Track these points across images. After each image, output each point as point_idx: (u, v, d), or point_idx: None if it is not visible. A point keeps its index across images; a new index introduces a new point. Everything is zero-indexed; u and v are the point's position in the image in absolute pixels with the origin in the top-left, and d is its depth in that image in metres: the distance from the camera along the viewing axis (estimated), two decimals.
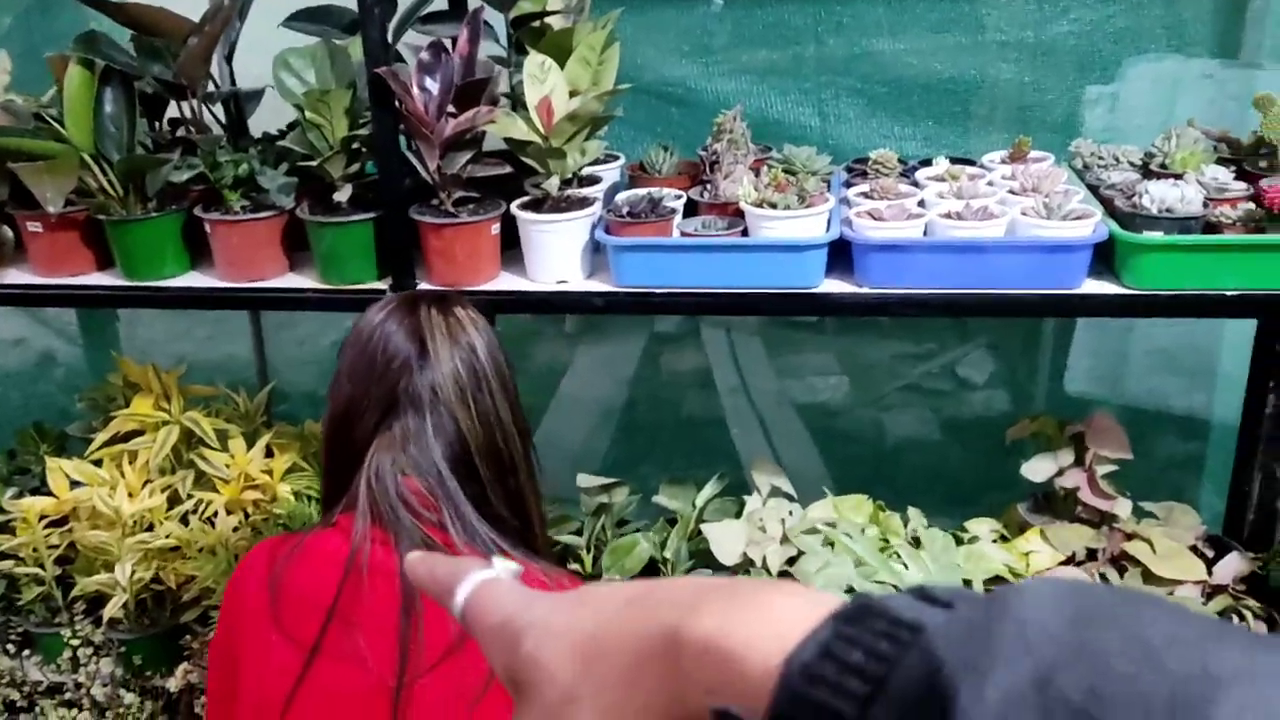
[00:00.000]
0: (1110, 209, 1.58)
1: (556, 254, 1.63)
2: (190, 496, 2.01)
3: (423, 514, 1.12)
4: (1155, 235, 1.48)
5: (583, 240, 1.64)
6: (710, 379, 3.85)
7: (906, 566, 1.75)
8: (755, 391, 3.73)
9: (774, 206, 1.55)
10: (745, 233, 1.58)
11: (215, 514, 1.99)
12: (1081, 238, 1.49)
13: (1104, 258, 1.54)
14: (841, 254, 1.58)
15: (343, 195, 1.66)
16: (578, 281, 1.65)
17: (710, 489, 2.03)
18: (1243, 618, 1.73)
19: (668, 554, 1.91)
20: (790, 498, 1.99)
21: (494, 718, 1.07)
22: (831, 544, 1.81)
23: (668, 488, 2.05)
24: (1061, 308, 1.56)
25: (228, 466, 2.04)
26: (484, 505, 1.16)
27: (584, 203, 1.65)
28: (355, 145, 1.64)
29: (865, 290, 1.55)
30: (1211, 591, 1.78)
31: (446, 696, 1.07)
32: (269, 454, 2.07)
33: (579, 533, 2.01)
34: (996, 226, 1.52)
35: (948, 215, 1.55)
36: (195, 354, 2.79)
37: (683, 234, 1.62)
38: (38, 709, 1.95)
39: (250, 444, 2.06)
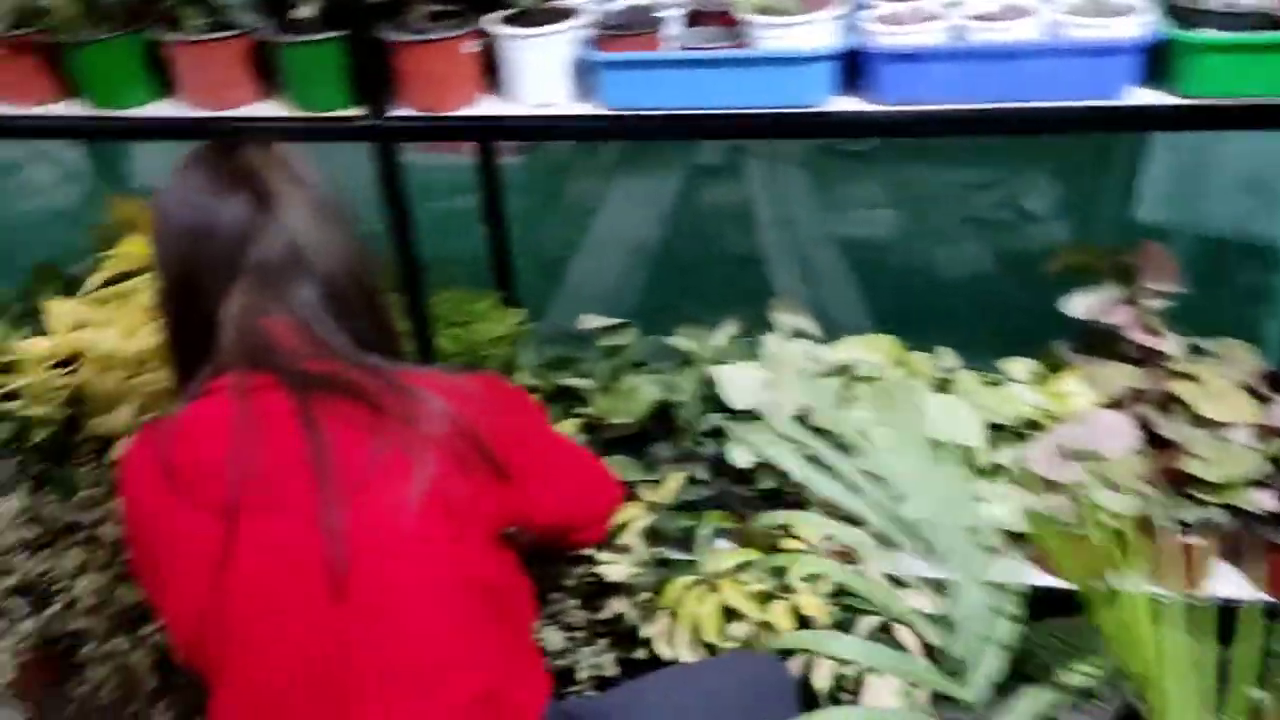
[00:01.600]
0: (1165, 5, 1.37)
1: (538, 73, 1.48)
2: None
3: (299, 350, 1.07)
4: (1216, 34, 1.28)
5: (567, 57, 1.49)
6: (752, 213, 3.68)
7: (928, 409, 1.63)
8: (797, 226, 3.56)
9: (776, 12, 1.37)
10: (743, 45, 1.41)
11: None
12: (1127, 38, 1.29)
13: (1158, 63, 1.34)
14: (857, 68, 1.40)
15: (306, 10, 1.51)
16: (564, 104, 1.51)
17: (727, 330, 1.91)
18: None
19: (677, 396, 1.82)
20: (815, 339, 1.87)
21: (432, 525, 1.04)
22: (850, 386, 1.69)
23: (685, 329, 1.94)
24: (1106, 122, 1.37)
25: None
26: (362, 335, 1.12)
27: (567, 15, 1.49)
28: None
29: (881, 108, 1.38)
30: (1265, 433, 1.63)
31: (381, 512, 1.03)
32: None
33: (587, 375, 1.92)
34: (1030, 27, 1.33)
35: (976, 17, 1.36)
36: None
37: (683, 48, 1.45)
38: (57, 545, 1.96)
39: None
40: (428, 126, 1.53)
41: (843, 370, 1.73)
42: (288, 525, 1.03)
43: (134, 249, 1.97)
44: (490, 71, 1.54)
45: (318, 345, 1.08)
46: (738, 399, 1.76)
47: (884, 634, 1.56)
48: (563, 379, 1.91)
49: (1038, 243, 3.50)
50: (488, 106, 1.53)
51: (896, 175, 3.83)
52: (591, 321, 1.90)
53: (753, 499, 1.72)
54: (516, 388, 1.33)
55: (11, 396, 1.97)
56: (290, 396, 1.04)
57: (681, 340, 1.91)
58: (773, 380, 1.78)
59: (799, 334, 1.89)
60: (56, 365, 1.97)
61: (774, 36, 1.37)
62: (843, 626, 1.56)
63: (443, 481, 1.04)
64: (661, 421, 1.84)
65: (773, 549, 1.66)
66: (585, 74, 1.51)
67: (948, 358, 1.83)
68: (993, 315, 2.99)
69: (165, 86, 1.66)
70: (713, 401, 1.80)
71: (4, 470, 2.02)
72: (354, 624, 1.03)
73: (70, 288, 2.29)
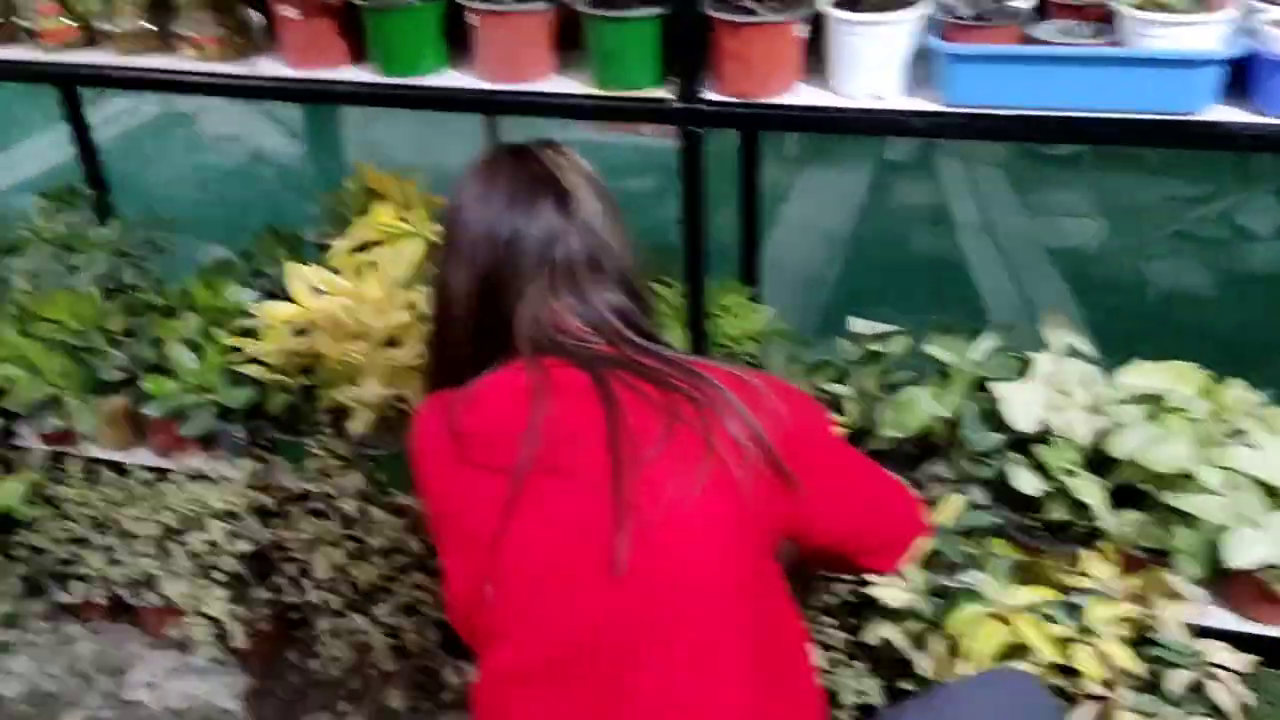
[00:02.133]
0: None
1: (872, 63, 1.38)
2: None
3: (591, 338, 1.11)
4: None
5: (906, 47, 1.38)
6: (946, 214, 3.53)
7: (1255, 449, 1.49)
8: (999, 231, 3.40)
9: (1163, 9, 1.24)
10: (1114, 43, 1.29)
11: None
12: None
13: None
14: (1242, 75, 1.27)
15: None
16: (894, 98, 1.40)
17: (988, 341, 1.79)
18: None
19: (950, 412, 1.71)
20: (1091, 360, 1.73)
21: (717, 510, 1.03)
22: (1158, 418, 1.56)
23: (939, 337, 1.82)
24: None
25: None
26: (642, 326, 1.15)
27: (910, 1, 1.38)
28: None
29: (1271, 120, 1.25)
30: None
31: (669, 488, 1.01)
32: None
33: (840, 380, 1.82)
34: None
35: None
36: (420, 160, 2.69)
37: (1032, 41, 1.34)
38: (289, 515, 1.94)
39: None
40: (743, 113, 1.44)
41: (1146, 399, 1.60)
42: (576, 491, 1.02)
43: (383, 219, 1.93)
44: (812, 56, 1.44)
45: (609, 334, 1.12)
46: (1020, 420, 1.64)
47: (1196, 692, 1.44)
48: (821, 383, 1.82)
49: (1257, 262, 3.29)
50: (808, 95, 1.44)
51: (1100, 182, 3.64)
52: (859, 326, 1.80)
53: (1038, 529, 1.61)
54: (803, 391, 1.25)
55: (252, 361, 1.95)
56: (585, 372, 1.07)
57: (938, 349, 1.79)
58: (1057, 402, 1.65)
59: (1074, 353, 1.76)
60: (297, 333, 1.94)
61: (1157, 35, 1.25)
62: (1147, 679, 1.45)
63: (730, 471, 1.03)
64: (928, 437, 1.73)
65: (1062, 587, 1.55)
66: (922, 66, 1.40)
67: (1246, 391, 1.69)
68: (1209, 335, 2.80)
69: (457, 55, 1.60)
70: (989, 417, 1.69)
71: (236, 435, 2.01)
72: (634, 596, 1.01)
73: (295, 251, 2.27)
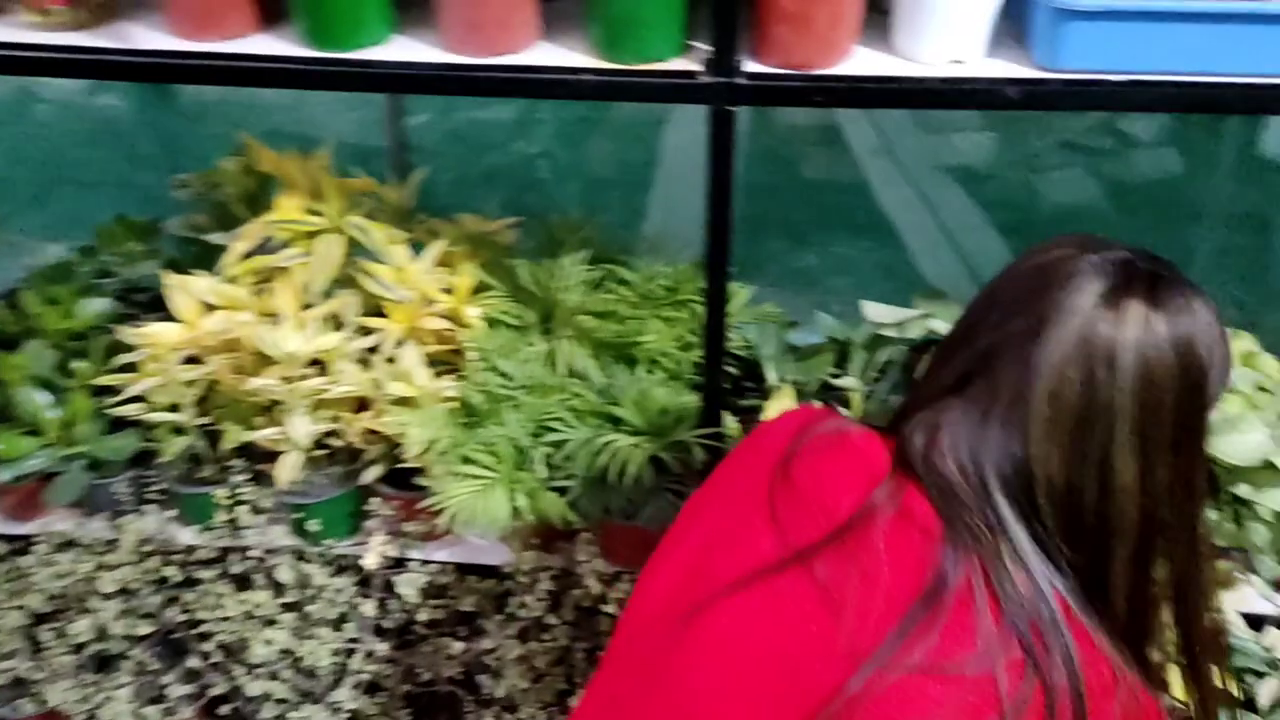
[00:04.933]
0: None
1: (954, 18, 1.13)
2: (368, 332, 1.57)
3: (964, 500, 0.82)
4: None
5: (991, 4, 1.14)
6: (839, 137, 3.33)
7: None
8: (897, 152, 3.23)
9: None
10: None
11: (381, 342, 1.55)
12: None
13: None
14: None
15: None
16: (978, 62, 1.16)
17: None
18: None
19: None
20: None
21: None
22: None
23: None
24: None
25: (397, 284, 1.58)
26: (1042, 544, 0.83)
27: None
28: None
29: None
30: None
31: (904, 712, 0.76)
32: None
33: (840, 366, 1.61)
34: None
35: None
36: (293, 128, 2.25)
37: None
38: (201, 583, 1.58)
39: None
40: (797, 87, 1.16)
41: None
42: (821, 618, 0.80)
43: (290, 213, 1.55)
44: (871, 12, 1.18)
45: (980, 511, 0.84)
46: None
47: None
48: (820, 374, 1.60)
49: (1143, 169, 3.28)
50: (872, 63, 1.17)
51: None
52: (876, 313, 1.58)
53: None
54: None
55: (133, 400, 1.55)
56: (943, 519, 0.82)
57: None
58: None
59: None
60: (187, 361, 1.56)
61: None
62: None
63: None
64: None
65: None
66: (1012, 23, 1.16)
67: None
68: None
69: (409, 18, 1.24)
70: None
71: (118, 492, 1.62)
72: None
73: (152, 247, 1.85)
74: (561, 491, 1.49)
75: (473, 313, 1.62)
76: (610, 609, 1.50)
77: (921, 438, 0.85)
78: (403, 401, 1.53)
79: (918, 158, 3.25)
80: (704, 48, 1.17)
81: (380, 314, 1.58)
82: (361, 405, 1.57)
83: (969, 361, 0.85)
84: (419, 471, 1.53)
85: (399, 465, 1.55)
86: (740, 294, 1.68)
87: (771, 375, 1.61)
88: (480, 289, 1.65)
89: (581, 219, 1.79)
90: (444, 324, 1.60)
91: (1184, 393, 0.79)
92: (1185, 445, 0.81)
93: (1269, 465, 1.36)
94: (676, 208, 2.90)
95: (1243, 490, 1.39)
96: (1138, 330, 0.79)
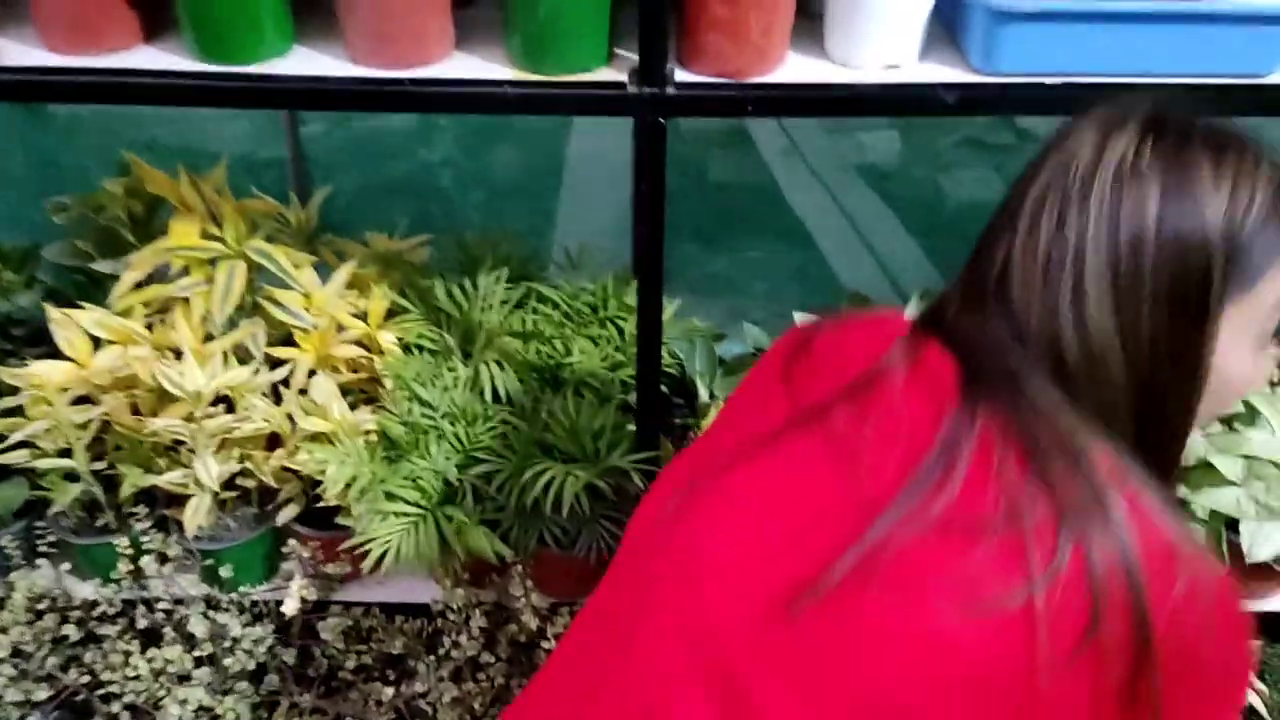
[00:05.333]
0: None
1: (886, 22, 1.10)
2: (276, 363, 1.47)
3: (988, 349, 0.74)
4: None
5: (924, 6, 1.10)
6: (746, 137, 3.32)
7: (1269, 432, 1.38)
8: (805, 151, 3.23)
9: None
10: None
11: (291, 373, 1.46)
12: None
13: None
14: None
15: None
16: (913, 67, 1.13)
17: None
18: None
19: None
20: None
21: (990, 639, 0.66)
22: None
23: None
24: None
25: (306, 310, 1.49)
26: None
27: None
28: None
29: None
30: None
31: (924, 569, 0.68)
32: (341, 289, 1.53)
33: None
34: None
35: None
36: (175, 140, 2.11)
37: None
38: (103, 640, 1.46)
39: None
40: (730, 97, 1.11)
41: None
42: (833, 475, 0.73)
43: (187, 239, 1.45)
44: (800, 16, 1.13)
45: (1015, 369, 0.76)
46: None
47: None
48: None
49: None
50: (806, 69, 1.13)
51: None
52: None
53: None
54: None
55: (18, 446, 1.43)
56: (961, 369, 0.74)
57: None
58: None
59: None
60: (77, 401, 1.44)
61: None
62: None
63: (1034, 616, 0.65)
64: None
65: None
66: (946, 28, 1.14)
67: None
68: None
69: (310, 28, 1.16)
70: None
71: (3, 544, 1.49)
72: (782, 650, 0.70)
73: (30, 275, 1.72)
74: (493, 524, 1.42)
75: (388, 338, 1.54)
76: (549, 644, 1.44)
77: (949, 300, 0.78)
78: (318, 437, 1.44)
79: (826, 158, 3.25)
80: (631, 57, 1.11)
81: (289, 343, 1.49)
82: (274, 442, 1.48)
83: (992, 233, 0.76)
84: (339, 510, 1.45)
85: (317, 504, 1.45)
86: (667, 308, 1.63)
87: (703, 392, 1.57)
88: (394, 312, 1.58)
89: (496, 234, 1.73)
90: (358, 351, 1.52)
91: (1172, 249, 0.70)
92: (1175, 311, 0.71)
93: (1206, 464, 1.37)
94: (587, 217, 2.84)
95: (1180, 491, 1.39)
96: (1117, 159, 0.71)
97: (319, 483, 1.43)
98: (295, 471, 1.47)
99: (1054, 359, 0.72)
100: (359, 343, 1.52)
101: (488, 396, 1.49)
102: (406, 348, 1.55)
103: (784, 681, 0.70)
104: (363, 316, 1.53)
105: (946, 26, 1.17)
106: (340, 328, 1.51)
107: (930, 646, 0.66)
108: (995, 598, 0.66)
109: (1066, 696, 0.66)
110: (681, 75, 1.12)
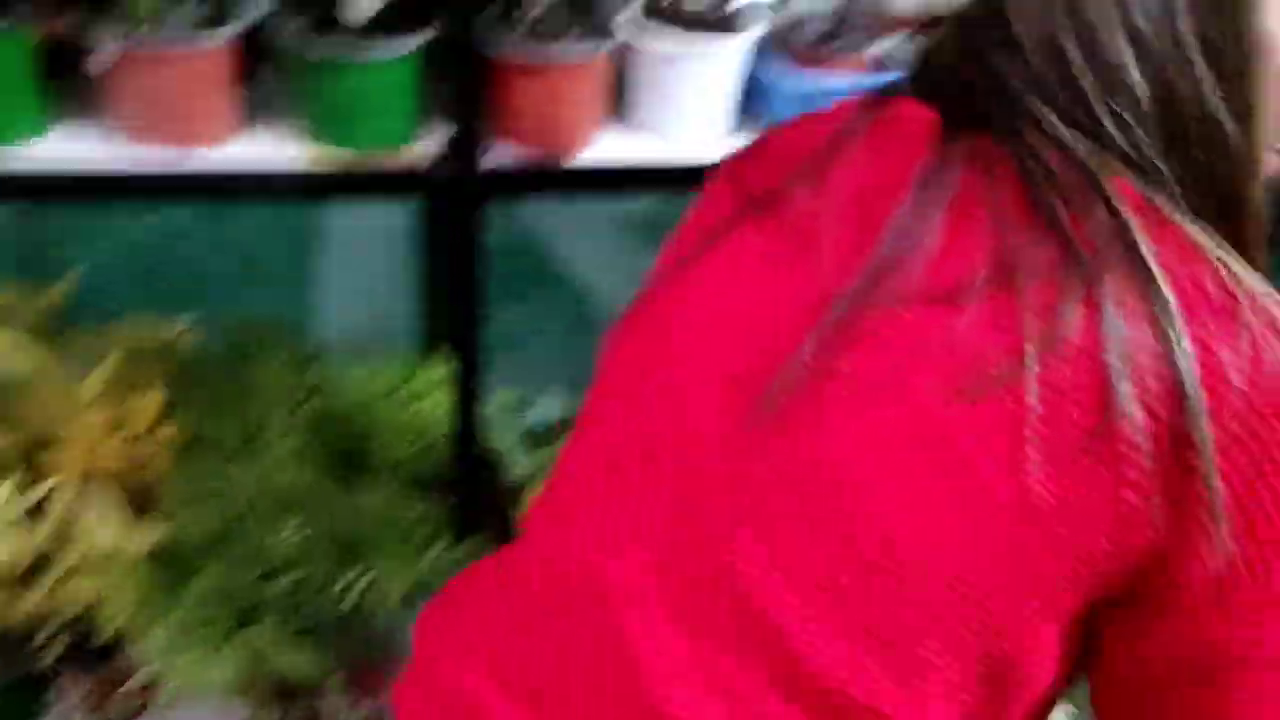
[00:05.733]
0: None
1: (700, 100, 1.09)
2: (29, 481, 1.29)
3: (967, 80, 0.61)
4: None
5: (735, 79, 1.11)
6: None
7: None
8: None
9: None
10: None
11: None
12: None
13: None
14: None
15: (361, 9, 0.98)
16: (723, 141, 1.13)
17: None
18: None
19: None
20: None
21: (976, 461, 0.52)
22: None
23: None
24: None
25: (63, 416, 1.33)
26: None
27: (732, 21, 1.10)
28: None
29: None
30: None
31: (898, 351, 0.56)
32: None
33: None
34: None
35: None
36: None
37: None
38: None
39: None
40: (544, 176, 1.07)
41: None
42: (791, 263, 0.61)
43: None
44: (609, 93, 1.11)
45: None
46: None
47: None
48: None
49: None
50: (618, 146, 1.11)
51: None
52: None
53: None
54: None
55: None
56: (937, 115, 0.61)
57: None
58: None
59: None
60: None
61: None
62: None
63: (1047, 428, 0.51)
64: None
65: None
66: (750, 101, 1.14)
67: None
68: None
69: (70, 109, 1.02)
70: None
71: None
72: (742, 470, 0.58)
73: None
74: (308, 632, 1.30)
75: (164, 437, 1.39)
76: None
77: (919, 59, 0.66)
78: (88, 562, 1.27)
79: (592, 209, 3.25)
80: (439, 135, 1.05)
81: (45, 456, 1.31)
82: (33, 571, 1.29)
83: None
84: (118, 642, 1.28)
85: (88, 640, 1.28)
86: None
87: (519, 469, 1.50)
88: (169, 407, 1.42)
89: (271, 319, 1.60)
90: (130, 455, 1.36)
91: None
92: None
93: None
94: (354, 288, 2.71)
95: None
96: None
97: (91, 614, 1.26)
98: (60, 604, 1.29)
99: (1062, 78, 0.57)
100: (131, 446, 1.36)
101: (284, 495, 1.37)
102: (186, 447, 1.41)
103: (751, 499, 0.57)
104: (133, 416, 1.38)
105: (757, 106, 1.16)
106: (108, 431, 1.35)
107: (915, 441, 0.53)
108: (983, 375, 0.52)
109: (1074, 501, 0.51)
110: (492, 155, 1.06)
